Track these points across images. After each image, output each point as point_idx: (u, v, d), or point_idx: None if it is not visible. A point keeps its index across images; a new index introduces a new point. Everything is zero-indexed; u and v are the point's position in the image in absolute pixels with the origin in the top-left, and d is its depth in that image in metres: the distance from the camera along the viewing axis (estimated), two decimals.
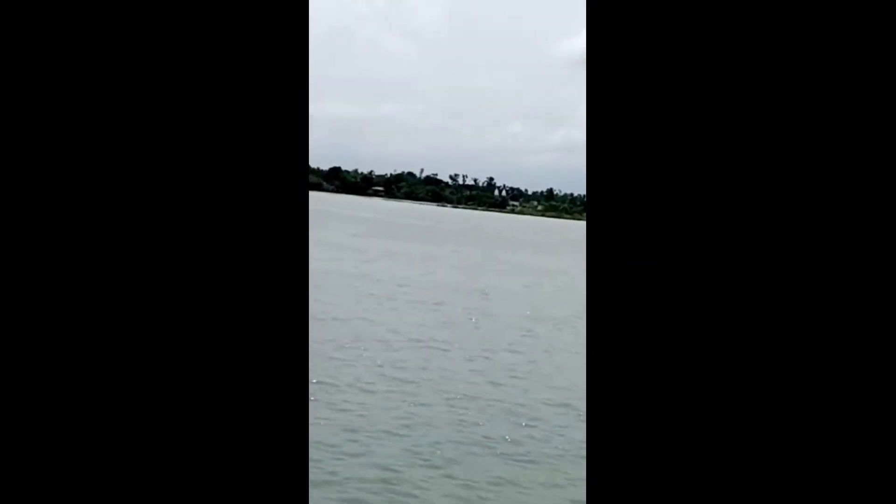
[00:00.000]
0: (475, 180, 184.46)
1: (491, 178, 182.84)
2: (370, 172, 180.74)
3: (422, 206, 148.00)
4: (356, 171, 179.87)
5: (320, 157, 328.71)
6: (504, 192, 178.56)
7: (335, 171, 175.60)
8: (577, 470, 7.08)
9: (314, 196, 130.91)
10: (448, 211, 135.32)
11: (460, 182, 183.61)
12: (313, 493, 6.26)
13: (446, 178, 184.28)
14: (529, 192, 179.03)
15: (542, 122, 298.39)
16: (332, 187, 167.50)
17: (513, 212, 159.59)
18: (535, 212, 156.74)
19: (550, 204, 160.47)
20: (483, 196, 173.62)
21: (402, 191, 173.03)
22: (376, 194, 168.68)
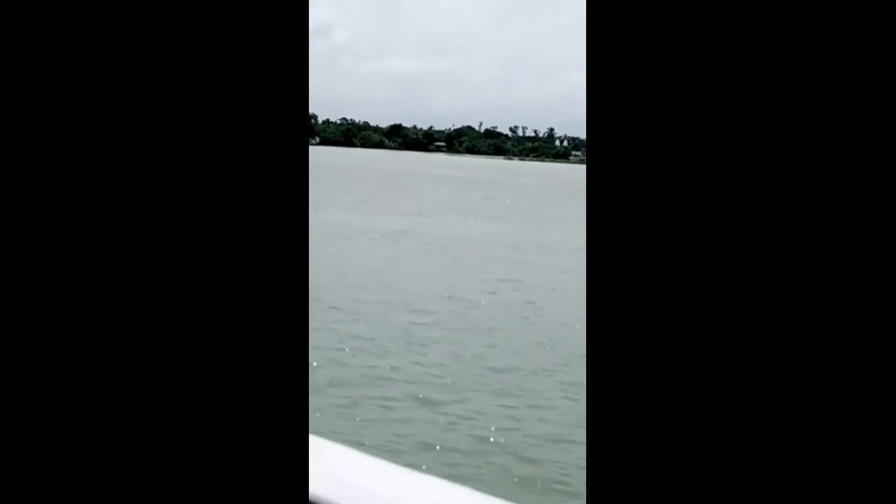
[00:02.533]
0: (535, 132, 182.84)
1: (551, 129, 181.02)
2: (430, 128, 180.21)
3: (487, 160, 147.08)
4: (414, 126, 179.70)
5: (380, 114, 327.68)
6: (566, 143, 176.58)
7: (396, 129, 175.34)
8: None
9: (379, 154, 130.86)
10: (515, 164, 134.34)
11: (521, 134, 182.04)
12: None
13: (506, 131, 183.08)
14: None
15: None
16: (394, 145, 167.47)
17: (579, 161, 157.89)
18: None
19: None
20: (545, 147, 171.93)
21: (464, 145, 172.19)
22: (438, 150, 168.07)
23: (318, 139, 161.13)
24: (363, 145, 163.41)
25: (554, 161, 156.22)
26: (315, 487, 1.04)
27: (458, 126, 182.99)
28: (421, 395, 7.96)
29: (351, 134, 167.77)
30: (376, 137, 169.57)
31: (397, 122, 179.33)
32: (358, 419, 7.28)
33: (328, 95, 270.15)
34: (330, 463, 1.23)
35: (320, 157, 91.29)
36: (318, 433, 1.08)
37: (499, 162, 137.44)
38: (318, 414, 6.64)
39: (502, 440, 7.00)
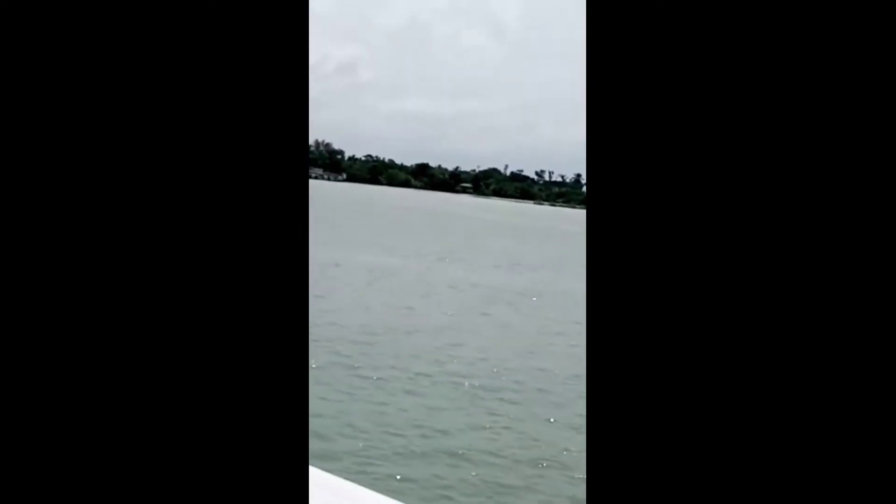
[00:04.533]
0: (562, 176, 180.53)
1: (578, 175, 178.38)
2: (456, 169, 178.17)
3: (517, 204, 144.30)
4: (439, 166, 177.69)
5: (405, 153, 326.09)
6: None
7: (423, 168, 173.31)
8: None
9: (409, 194, 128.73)
10: (548, 210, 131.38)
11: (547, 178, 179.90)
12: None
13: (532, 175, 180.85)
14: None
15: None
16: (420, 184, 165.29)
17: None
18: None
19: None
20: (573, 193, 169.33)
21: (491, 188, 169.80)
22: (464, 191, 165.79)
23: (344, 175, 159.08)
24: (389, 183, 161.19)
25: (583, 207, 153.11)
26: None
27: (483, 168, 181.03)
28: None
29: (377, 171, 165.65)
30: (402, 176, 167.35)
31: (421, 161, 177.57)
32: None
33: (353, 132, 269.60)
34: (329, 493, 1.24)
35: (358, 196, 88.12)
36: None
37: (531, 207, 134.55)
38: None
39: None
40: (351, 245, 24.75)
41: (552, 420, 7.98)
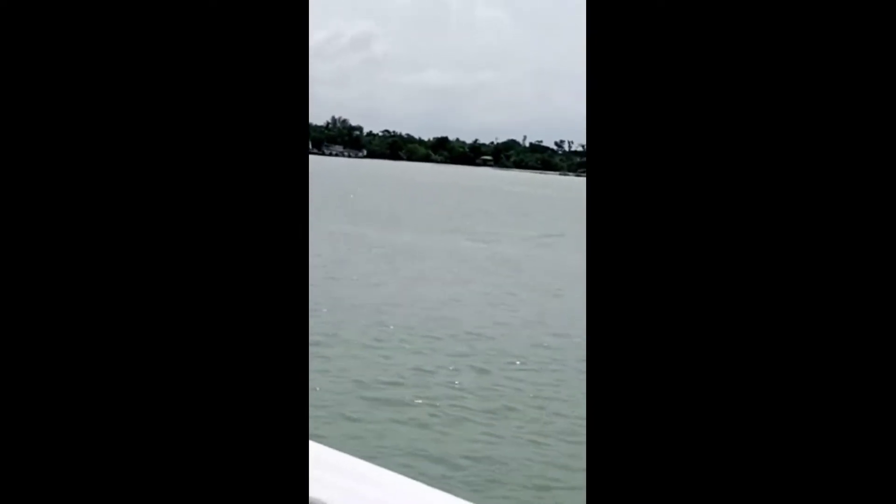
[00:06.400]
0: (582, 146, 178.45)
1: None
2: (475, 141, 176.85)
3: (541, 175, 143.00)
4: (457, 139, 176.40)
5: (423, 127, 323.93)
6: None
7: (442, 142, 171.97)
8: None
9: (434, 169, 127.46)
10: (573, 181, 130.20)
11: (567, 149, 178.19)
12: None
13: (551, 145, 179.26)
14: None
15: None
16: (440, 158, 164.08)
17: None
18: None
19: None
20: None
21: (511, 160, 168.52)
22: (485, 164, 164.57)
23: (364, 152, 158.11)
24: (409, 158, 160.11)
25: None
26: (315, 492, 1.03)
27: (501, 139, 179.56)
28: None
29: (397, 147, 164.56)
30: (422, 150, 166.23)
31: (439, 135, 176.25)
32: None
33: (369, 107, 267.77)
34: (329, 469, 1.26)
35: (389, 172, 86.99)
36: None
37: (557, 178, 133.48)
38: None
39: None
40: (434, 230, 24.01)
41: None
